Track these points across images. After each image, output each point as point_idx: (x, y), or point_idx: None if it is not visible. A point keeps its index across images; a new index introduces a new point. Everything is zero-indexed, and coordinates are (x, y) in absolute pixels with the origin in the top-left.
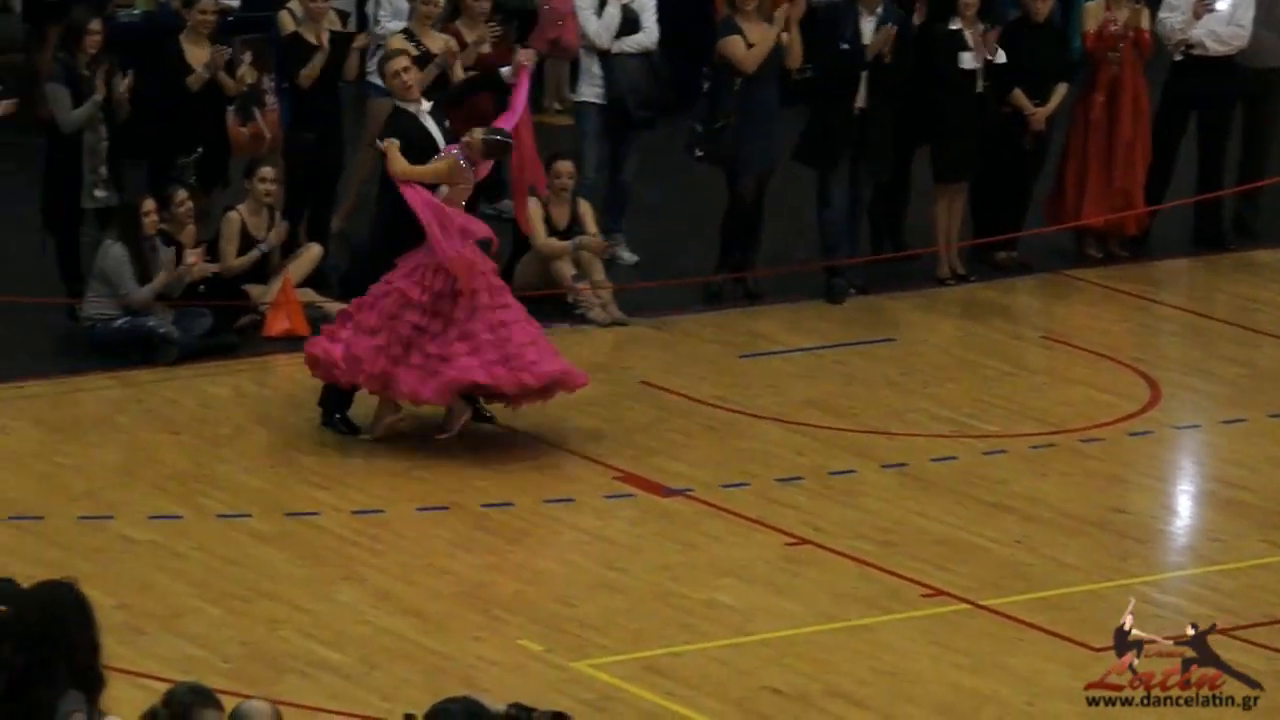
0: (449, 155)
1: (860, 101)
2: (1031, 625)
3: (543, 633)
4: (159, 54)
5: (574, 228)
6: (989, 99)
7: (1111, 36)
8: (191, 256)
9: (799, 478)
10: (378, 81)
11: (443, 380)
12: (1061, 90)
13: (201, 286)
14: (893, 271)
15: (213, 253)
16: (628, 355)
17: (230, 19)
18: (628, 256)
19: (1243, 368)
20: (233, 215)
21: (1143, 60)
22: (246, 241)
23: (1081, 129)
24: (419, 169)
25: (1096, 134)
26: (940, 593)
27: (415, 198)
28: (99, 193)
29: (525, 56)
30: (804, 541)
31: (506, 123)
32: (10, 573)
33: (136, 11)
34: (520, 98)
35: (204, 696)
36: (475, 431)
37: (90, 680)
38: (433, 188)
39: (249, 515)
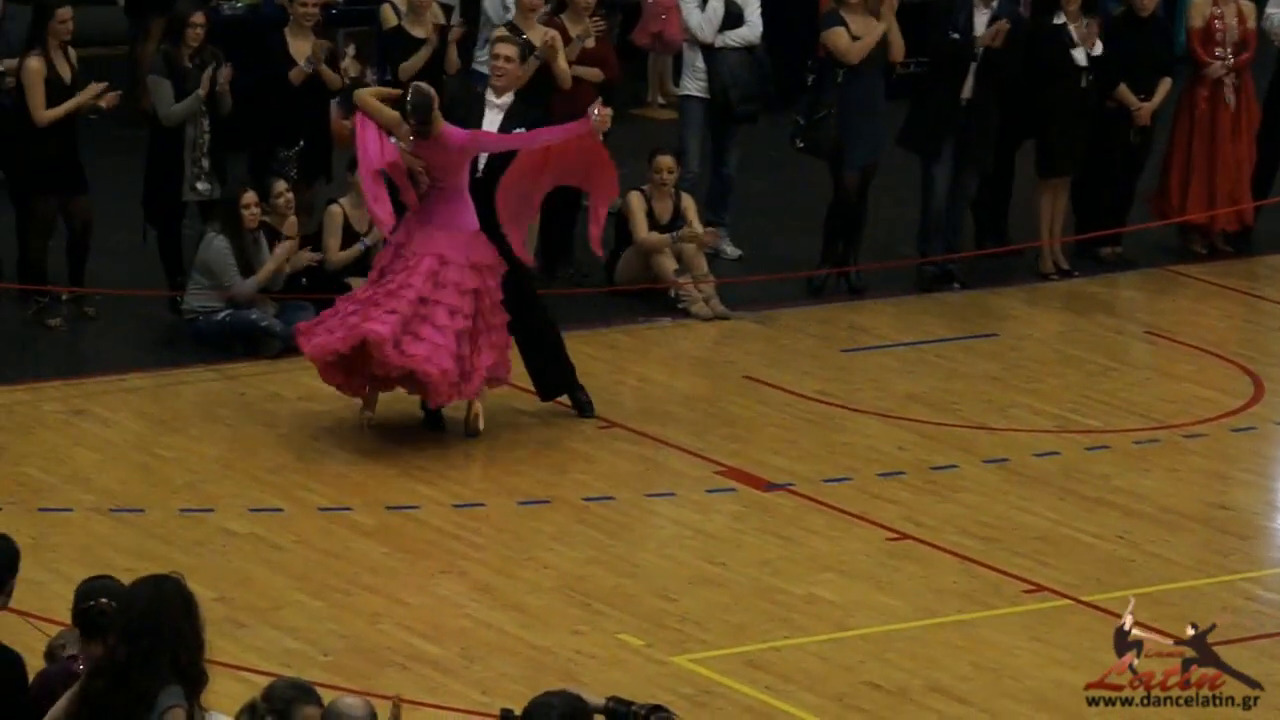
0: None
1: (967, 92)
2: (1135, 621)
3: (643, 627)
4: (262, 47)
5: (677, 221)
6: (1094, 94)
7: (1217, 32)
8: (284, 248)
9: (900, 472)
10: (484, 69)
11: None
12: (1166, 85)
13: (304, 279)
14: (996, 266)
15: (316, 246)
16: (730, 349)
17: (334, 12)
18: (730, 250)
19: None
20: (335, 209)
21: (1249, 56)
22: (349, 235)
23: (1186, 124)
24: (373, 102)
25: (1201, 129)
26: (1042, 588)
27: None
28: (201, 185)
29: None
30: (905, 536)
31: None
32: (111, 564)
33: (240, 4)
34: (576, 128)
35: (304, 692)
36: (576, 426)
37: (193, 675)
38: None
39: (349, 508)
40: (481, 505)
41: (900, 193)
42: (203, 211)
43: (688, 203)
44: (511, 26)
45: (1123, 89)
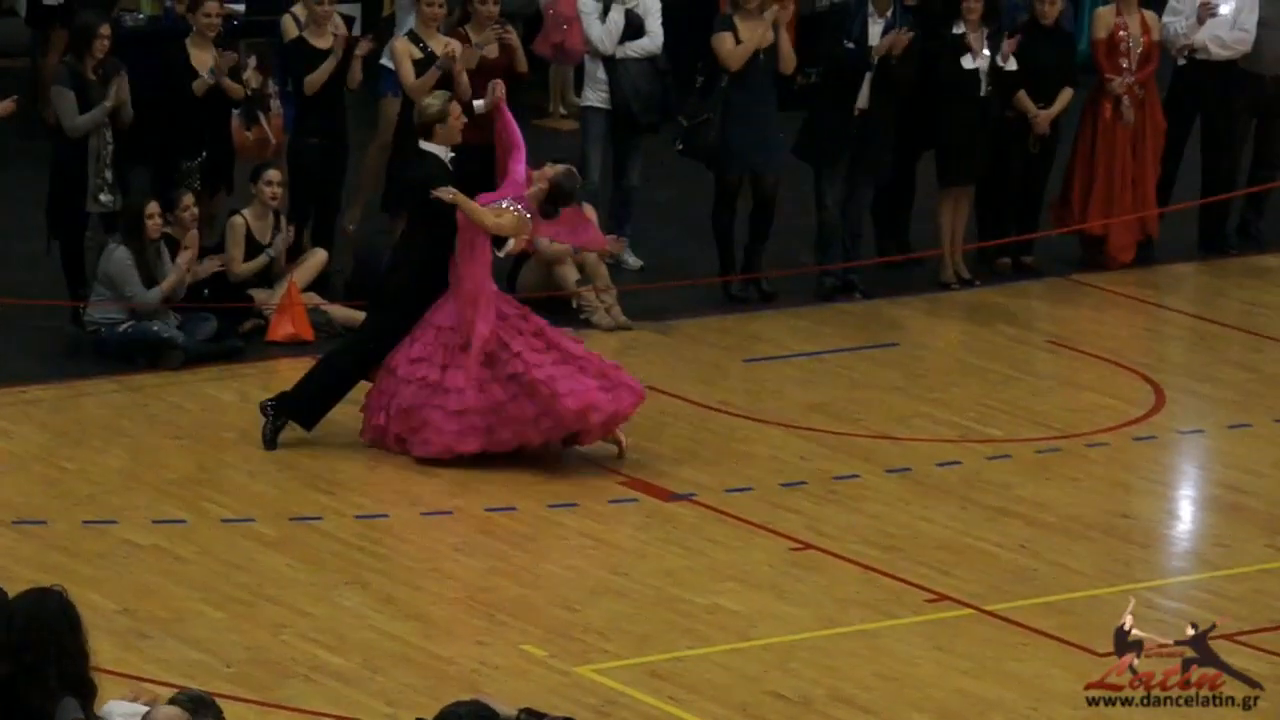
0: (511, 208)
1: (862, 102)
2: (1036, 630)
3: (546, 638)
4: (164, 58)
5: None
6: (994, 102)
7: (1121, 43)
8: (184, 257)
9: (803, 482)
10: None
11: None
12: (1067, 95)
13: (206, 290)
14: (897, 275)
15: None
16: (632, 360)
17: (235, 23)
18: (632, 261)
19: (1248, 373)
20: (237, 220)
21: (1153, 68)
22: (252, 246)
23: (1089, 134)
24: (495, 221)
25: (1104, 140)
26: (944, 598)
27: (471, 271)
28: (104, 197)
29: (499, 88)
30: (808, 546)
31: (515, 181)
32: (14, 576)
33: (142, 15)
34: (512, 135)
35: (202, 704)
36: None
37: (82, 687)
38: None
39: (252, 520)
40: (384, 516)
41: (800, 203)
42: (105, 223)
43: (589, 212)
44: (413, 36)
45: (1021, 96)
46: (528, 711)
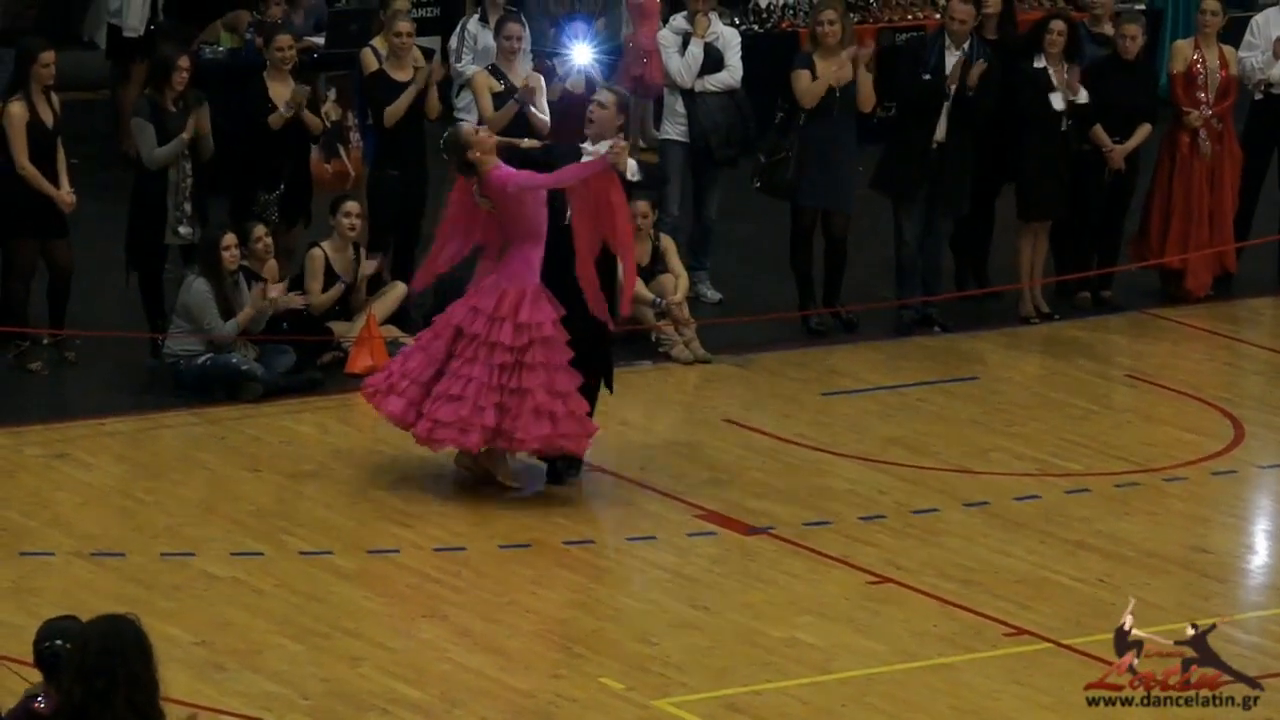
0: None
1: (939, 135)
2: (1115, 664)
3: (624, 671)
4: (242, 91)
5: (656, 264)
6: (1073, 137)
7: (1198, 76)
8: (274, 290)
9: (881, 516)
10: (462, 116)
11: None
12: (1145, 130)
13: (285, 323)
14: (976, 309)
15: (298, 290)
16: (711, 393)
17: (315, 56)
18: (711, 294)
19: None
20: (316, 252)
21: (1231, 102)
22: (331, 278)
23: (1167, 168)
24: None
25: (1182, 174)
26: (1022, 631)
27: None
28: (183, 229)
29: (532, 79)
30: (886, 580)
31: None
32: (91, 608)
33: (221, 48)
34: (595, 165)
35: None
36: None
37: (151, 716)
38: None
39: (330, 552)
40: (462, 549)
41: (878, 236)
42: (185, 255)
43: (667, 244)
44: (494, 69)
45: (1097, 130)
46: None
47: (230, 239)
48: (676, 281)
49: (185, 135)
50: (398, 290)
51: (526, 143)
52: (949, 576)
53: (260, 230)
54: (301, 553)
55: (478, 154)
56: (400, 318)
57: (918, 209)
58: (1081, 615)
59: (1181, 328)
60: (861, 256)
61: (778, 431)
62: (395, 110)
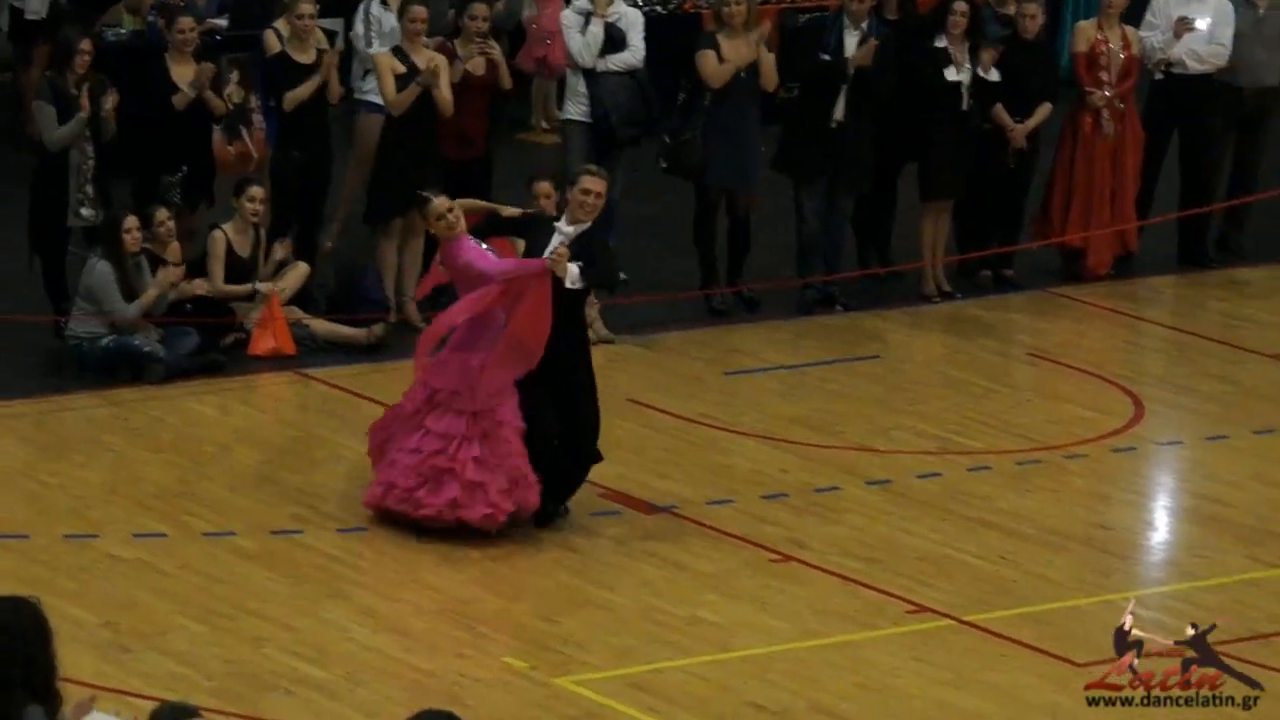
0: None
1: (839, 114)
2: (1015, 641)
3: (527, 650)
4: (145, 73)
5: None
6: (975, 116)
7: (1101, 57)
8: (172, 274)
9: (783, 494)
10: (368, 99)
11: None
12: (1046, 109)
13: (188, 305)
14: (878, 288)
15: (199, 272)
16: (614, 373)
17: (218, 38)
18: None
19: (1226, 384)
20: (218, 234)
21: (1133, 82)
22: (233, 260)
23: (1069, 148)
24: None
25: (1084, 153)
26: (924, 609)
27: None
28: (85, 211)
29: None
30: (788, 558)
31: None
32: None
33: (124, 30)
34: (532, 265)
35: (186, 713)
36: None
37: (49, 697)
38: None
39: (233, 533)
40: (364, 530)
41: (780, 217)
42: (87, 237)
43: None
44: (398, 50)
45: (999, 110)
46: None
47: (132, 221)
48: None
49: (83, 113)
50: (299, 270)
51: (508, 211)
52: (851, 554)
53: (163, 213)
54: (205, 534)
55: (434, 225)
56: (303, 299)
57: (819, 188)
58: (983, 592)
59: (1082, 306)
60: (764, 236)
61: (680, 411)
62: (296, 95)
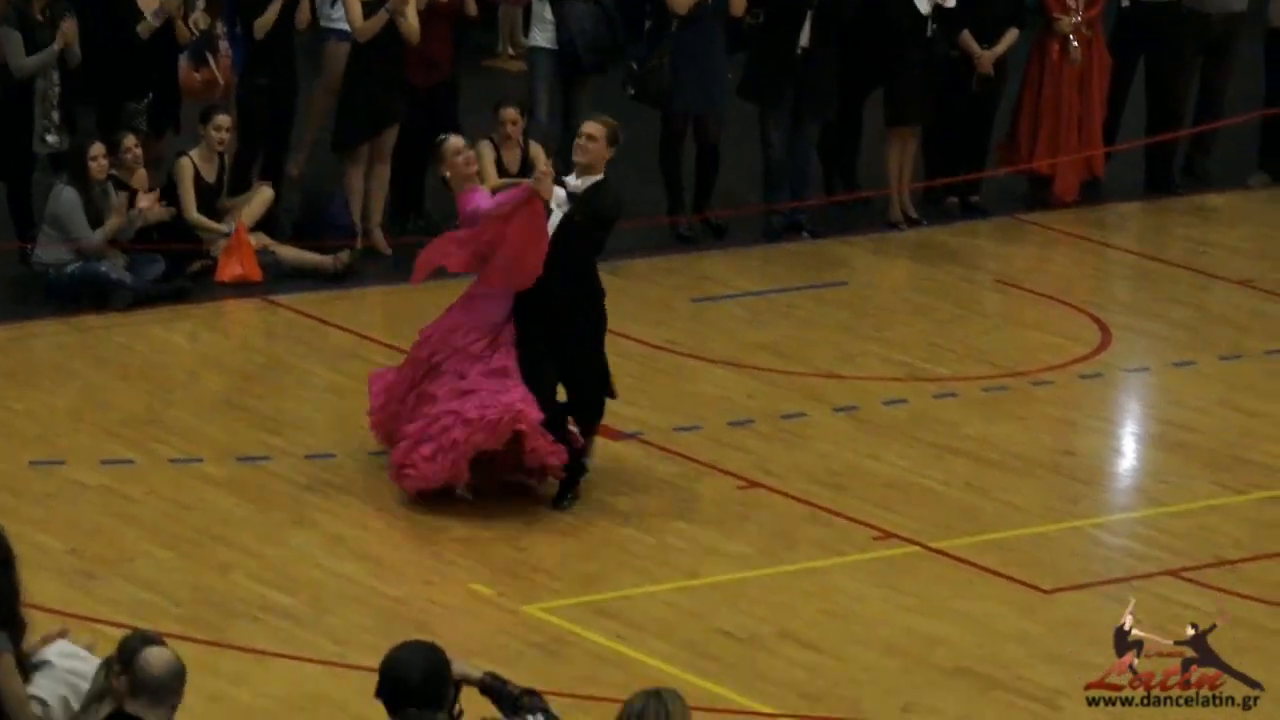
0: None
1: (804, 41)
2: (981, 567)
3: (494, 576)
4: (110, 0)
5: (526, 171)
6: (940, 43)
7: None
8: (144, 200)
9: (750, 421)
10: (334, 26)
11: None
12: (1012, 35)
13: (155, 232)
14: (845, 215)
15: (167, 199)
16: None
17: None
18: None
19: (1193, 310)
20: (185, 162)
21: (1099, 9)
22: (200, 187)
23: (1036, 74)
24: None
25: (1051, 80)
26: (891, 535)
27: None
28: (50, 138)
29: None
30: (755, 485)
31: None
32: None
33: None
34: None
35: (149, 642)
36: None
37: (12, 622)
38: None
39: (200, 460)
40: (332, 456)
41: (748, 144)
42: (53, 164)
43: (536, 151)
44: None
45: (965, 36)
46: (493, 675)
47: (98, 148)
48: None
49: (55, 45)
50: (264, 195)
51: (509, 182)
52: (818, 481)
53: (130, 140)
54: (172, 460)
55: (446, 173)
56: (269, 226)
57: (785, 115)
58: (949, 519)
59: (1049, 233)
60: (730, 163)
61: (647, 337)
62: (264, 21)
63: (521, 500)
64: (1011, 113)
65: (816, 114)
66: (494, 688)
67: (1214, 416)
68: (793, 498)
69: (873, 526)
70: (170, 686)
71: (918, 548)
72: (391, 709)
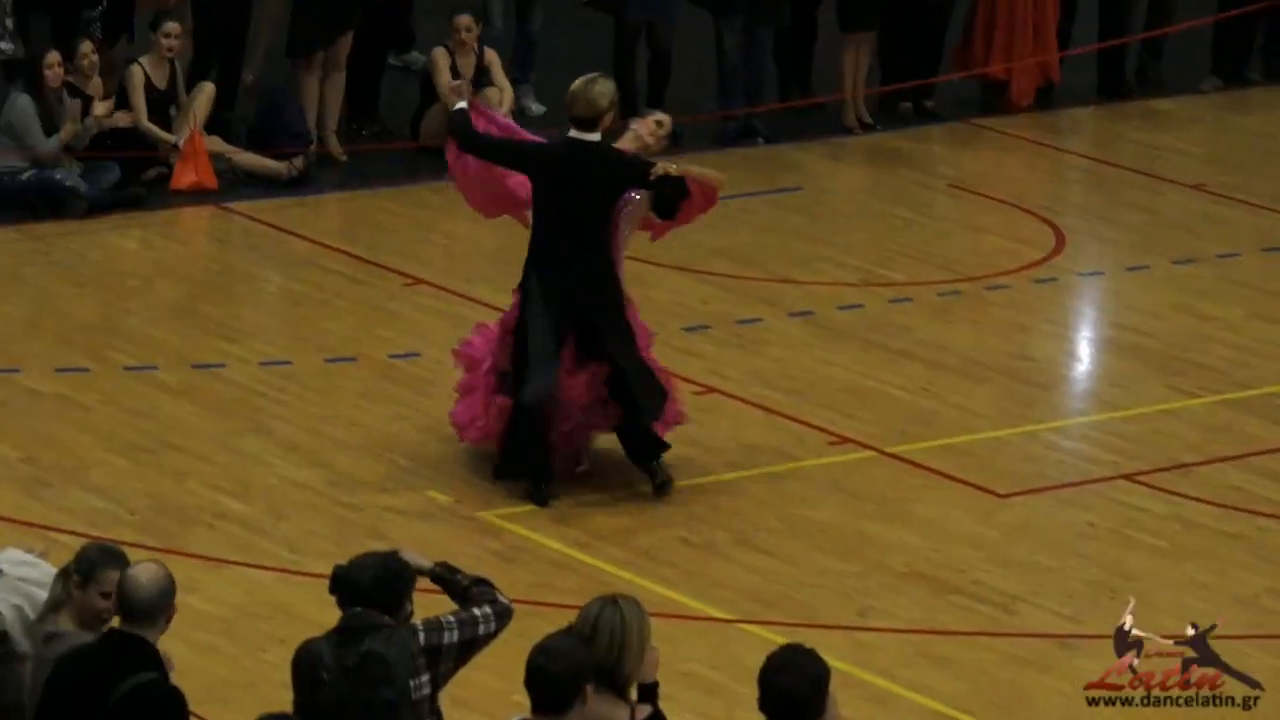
0: None
1: None
2: (937, 472)
3: (450, 483)
4: None
5: (481, 78)
6: None
7: None
8: (100, 108)
9: (705, 326)
10: None
11: None
12: None
13: (109, 139)
14: (799, 120)
15: (119, 107)
16: None
17: None
18: (536, 107)
19: (1146, 215)
20: (135, 69)
21: None
22: (151, 94)
23: None
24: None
25: None
26: (846, 440)
27: None
28: (3, 45)
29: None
30: (711, 390)
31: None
32: None
33: None
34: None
35: (110, 556)
36: (381, 283)
37: None
38: None
39: (155, 367)
40: (287, 363)
41: (701, 49)
42: (6, 72)
43: (491, 57)
44: None
45: None
46: (444, 565)
47: (54, 56)
48: (501, 95)
49: None
50: (206, 91)
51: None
52: (773, 386)
53: (87, 47)
54: (126, 368)
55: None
56: (224, 131)
57: (738, 21)
58: (905, 423)
59: (1003, 137)
60: (685, 69)
61: None
62: None
63: None
64: (966, 17)
65: (771, 20)
66: (443, 578)
67: (1167, 320)
68: (748, 403)
69: (828, 431)
70: (162, 603)
71: (873, 452)
72: (341, 608)
